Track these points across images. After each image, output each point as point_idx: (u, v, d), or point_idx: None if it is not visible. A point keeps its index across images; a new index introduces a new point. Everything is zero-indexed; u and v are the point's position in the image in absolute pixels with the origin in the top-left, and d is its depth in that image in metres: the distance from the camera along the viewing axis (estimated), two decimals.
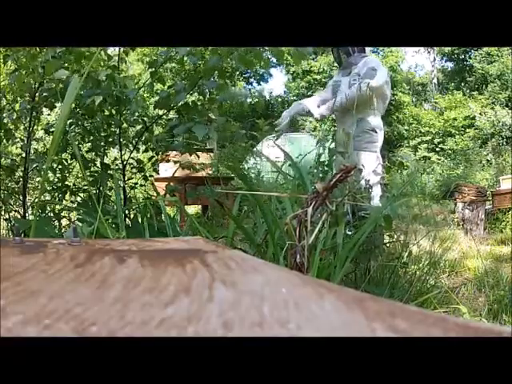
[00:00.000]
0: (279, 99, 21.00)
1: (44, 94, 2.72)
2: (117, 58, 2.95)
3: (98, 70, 2.79)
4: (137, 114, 3.01)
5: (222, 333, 0.38)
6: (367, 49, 4.17)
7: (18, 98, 2.74)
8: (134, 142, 3.02)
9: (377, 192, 3.43)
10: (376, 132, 3.92)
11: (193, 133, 2.77)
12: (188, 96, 2.87)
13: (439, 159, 16.35)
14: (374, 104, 3.84)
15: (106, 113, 2.87)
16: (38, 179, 3.26)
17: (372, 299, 0.48)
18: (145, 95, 3.28)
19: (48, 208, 3.04)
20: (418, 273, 2.47)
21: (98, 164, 3.02)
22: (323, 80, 19.03)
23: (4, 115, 2.86)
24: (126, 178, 3.04)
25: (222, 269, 0.59)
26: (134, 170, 3.14)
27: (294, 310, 0.44)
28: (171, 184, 3.12)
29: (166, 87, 3.05)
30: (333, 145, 3.64)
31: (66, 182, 3.13)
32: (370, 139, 3.87)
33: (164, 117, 3.09)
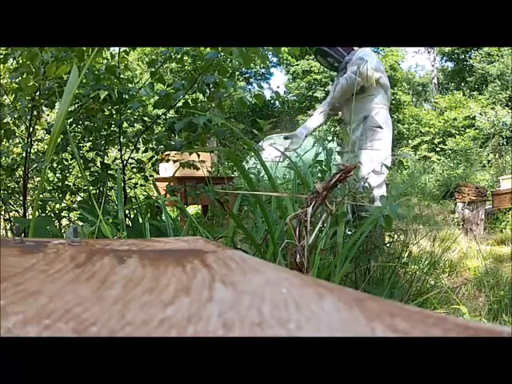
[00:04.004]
0: (279, 99, 21.00)
1: (45, 92, 2.72)
2: (120, 57, 2.95)
3: (99, 66, 2.79)
4: (137, 113, 3.01)
5: (222, 333, 0.38)
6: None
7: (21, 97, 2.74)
8: (134, 141, 3.02)
9: (380, 192, 3.37)
10: (382, 128, 3.80)
11: (192, 130, 2.77)
12: (188, 96, 2.88)
13: (439, 159, 16.34)
14: (370, 87, 3.76)
15: (107, 112, 2.87)
16: (37, 179, 3.27)
17: (372, 299, 0.48)
18: (144, 97, 3.27)
19: (48, 208, 3.05)
20: (417, 273, 2.47)
21: (98, 164, 3.02)
22: (323, 80, 19.03)
23: (5, 114, 2.86)
24: (126, 178, 3.05)
25: (222, 269, 0.59)
26: (134, 170, 3.14)
27: (293, 310, 0.44)
28: (171, 184, 3.12)
29: (165, 86, 3.05)
30: (331, 144, 3.60)
31: (66, 182, 3.13)
32: (374, 137, 3.76)
33: (164, 116, 3.09)
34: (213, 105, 2.96)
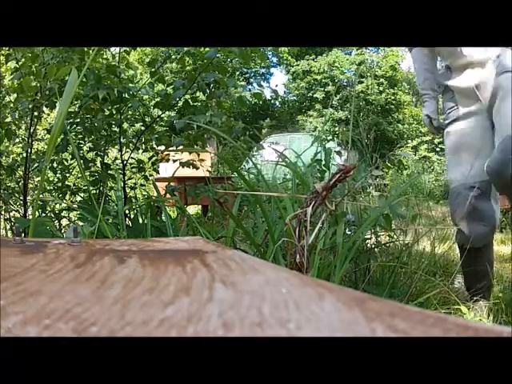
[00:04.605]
0: (278, 97, 21.01)
1: (46, 93, 2.72)
2: (120, 57, 2.96)
3: (100, 66, 2.79)
4: (137, 112, 3.02)
5: (222, 333, 0.38)
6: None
7: (22, 98, 2.74)
8: (134, 141, 3.02)
9: None
10: None
11: (192, 130, 2.77)
12: (188, 96, 2.88)
13: (439, 159, 16.34)
14: None
15: (107, 112, 2.87)
16: (38, 179, 3.27)
17: (372, 299, 0.48)
18: (145, 97, 3.28)
19: (48, 208, 3.05)
20: (418, 272, 2.47)
21: (98, 164, 3.03)
22: (323, 80, 19.02)
23: (7, 114, 2.86)
24: (126, 178, 3.05)
25: (222, 269, 0.59)
26: (134, 170, 3.14)
27: (293, 310, 0.44)
28: (171, 184, 3.12)
29: (165, 86, 3.05)
30: (330, 144, 3.53)
31: (67, 182, 3.13)
32: None
33: (164, 116, 3.09)
34: (213, 104, 2.97)
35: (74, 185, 3.28)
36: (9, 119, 2.89)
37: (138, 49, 11.14)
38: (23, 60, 2.72)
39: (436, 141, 17.57)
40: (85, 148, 3.07)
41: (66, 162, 3.12)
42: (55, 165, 3.05)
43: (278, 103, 21.82)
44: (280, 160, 2.64)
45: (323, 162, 2.63)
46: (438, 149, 17.29)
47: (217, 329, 0.38)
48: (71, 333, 0.37)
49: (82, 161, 2.81)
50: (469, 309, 2.47)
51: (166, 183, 3.06)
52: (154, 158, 3.15)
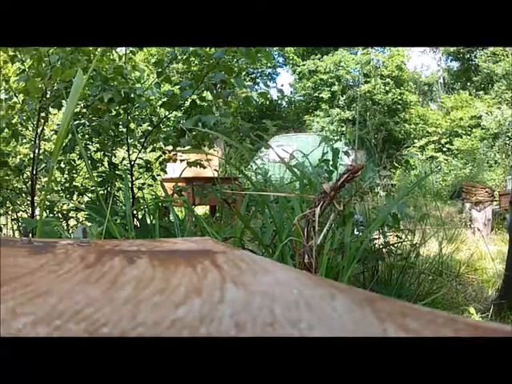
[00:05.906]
0: (284, 97, 20.95)
1: (52, 94, 2.73)
2: (126, 57, 2.97)
3: (107, 67, 2.80)
4: (145, 112, 3.03)
5: (234, 333, 0.38)
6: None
7: (28, 100, 2.75)
8: (141, 141, 3.03)
9: None
10: None
11: (200, 132, 2.78)
12: (195, 96, 2.89)
13: (446, 159, 16.29)
14: None
15: (114, 113, 2.87)
16: (45, 179, 3.28)
17: (382, 299, 0.47)
18: (152, 97, 3.29)
19: (56, 208, 3.06)
20: (426, 272, 2.46)
21: (106, 164, 3.03)
22: (329, 80, 18.97)
23: (13, 115, 2.87)
24: (134, 178, 3.05)
25: (233, 269, 0.59)
26: (142, 170, 3.15)
27: (305, 310, 0.44)
28: (179, 184, 3.12)
29: (172, 86, 3.06)
30: (338, 144, 3.52)
31: (74, 183, 3.14)
32: None
33: (171, 116, 3.10)
34: (220, 103, 2.97)
35: (82, 185, 3.29)
36: (15, 120, 2.90)
37: (144, 49, 11.17)
38: (28, 61, 2.73)
39: (443, 141, 17.52)
40: (92, 148, 3.08)
41: (73, 163, 3.13)
42: (63, 165, 3.06)
43: (284, 103, 21.78)
44: (287, 161, 2.63)
45: (331, 162, 2.62)
46: (444, 149, 17.24)
47: (229, 329, 0.38)
48: (82, 333, 0.37)
49: (89, 161, 2.82)
50: (475, 309, 2.46)
51: (174, 183, 3.07)
52: (161, 158, 3.16)
